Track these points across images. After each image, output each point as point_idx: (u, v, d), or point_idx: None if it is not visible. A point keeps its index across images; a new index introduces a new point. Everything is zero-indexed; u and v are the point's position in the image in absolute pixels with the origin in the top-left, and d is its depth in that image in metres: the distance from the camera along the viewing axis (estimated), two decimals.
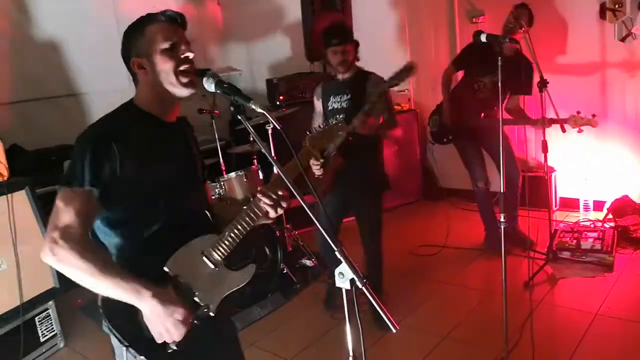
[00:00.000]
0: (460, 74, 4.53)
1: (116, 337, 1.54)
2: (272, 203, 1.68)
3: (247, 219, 1.69)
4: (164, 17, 1.63)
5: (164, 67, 1.60)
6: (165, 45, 1.60)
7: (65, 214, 1.48)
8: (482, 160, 4.35)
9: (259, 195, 1.69)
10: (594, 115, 3.59)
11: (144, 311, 1.51)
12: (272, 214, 1.70)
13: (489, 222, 4.44)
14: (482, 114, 4.11)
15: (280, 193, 1.70)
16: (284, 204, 1.71)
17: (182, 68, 1.62)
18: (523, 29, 3.67)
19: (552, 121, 3.66)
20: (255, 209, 1.70)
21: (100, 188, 1.51)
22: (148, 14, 1.65)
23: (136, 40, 1.63)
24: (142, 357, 1.55)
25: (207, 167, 3.02)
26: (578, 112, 3.60)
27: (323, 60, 3.44)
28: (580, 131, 3.62)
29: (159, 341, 1.54)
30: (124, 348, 1.54)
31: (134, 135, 1.59)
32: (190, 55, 1.64)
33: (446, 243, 4.53)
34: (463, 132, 4.27)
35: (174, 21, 1.66)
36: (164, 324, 1.51)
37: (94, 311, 3.92)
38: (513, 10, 4.00)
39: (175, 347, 1.54)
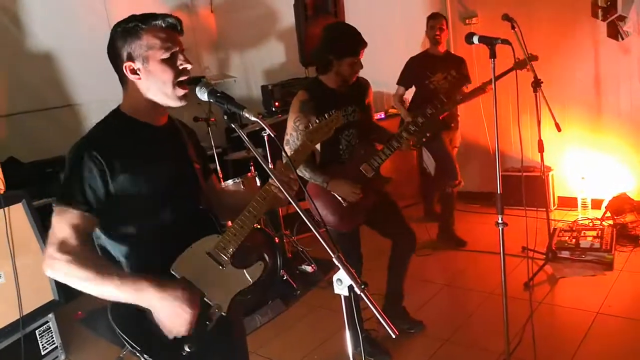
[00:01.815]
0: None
1: (129, 344, 1.53)
2: (284, 185, 1.60)
3: (256, 204, 1.68)
4: (164, 22, 1.55)
5: (162, 77, 1.55)
6: (166, 55, 1.54)
7: (60, 229, 1.49)
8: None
9: (270, 181, 1.69)
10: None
11: (150, 306, 1.50)
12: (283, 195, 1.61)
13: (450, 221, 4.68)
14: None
15: (291, 176, 1.71)
16: (294, 187, 1.71)
17: (179, 79, 1.57)
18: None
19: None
20: (265, 194, 1.70)
21: (92, 209, 1.51)
22: (144, 15, 1.54)
23: (131, 42, 1.53)
24: None
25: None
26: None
27: (331, 73, 2.87)
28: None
29: (171, 337, 1.53)
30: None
31: (125, 146, 1.57)
32: (189, 66, 1.59)
33: (445, 245, 4.55)
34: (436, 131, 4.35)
35: (174, 28, 1.58)
36: (171, 311, 1.50)
37: (94, 323, 3.92)
38: (427, 22, 4.46)
39: (189, 350, 1.54)
